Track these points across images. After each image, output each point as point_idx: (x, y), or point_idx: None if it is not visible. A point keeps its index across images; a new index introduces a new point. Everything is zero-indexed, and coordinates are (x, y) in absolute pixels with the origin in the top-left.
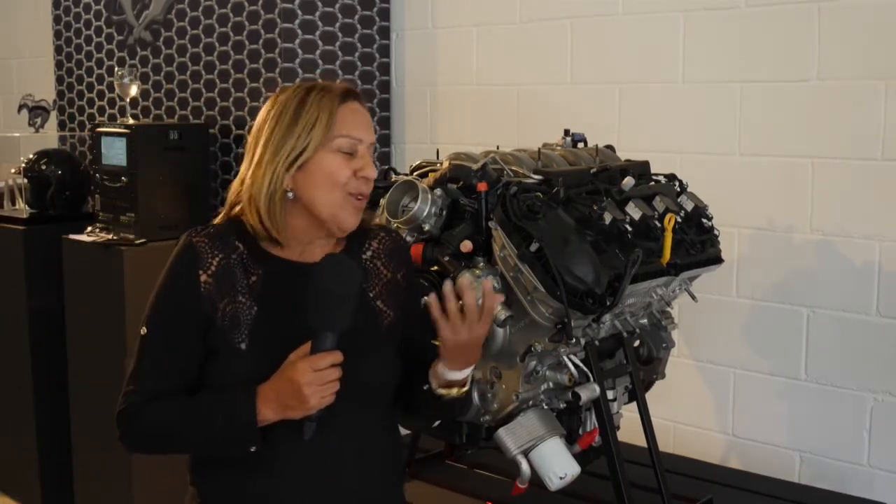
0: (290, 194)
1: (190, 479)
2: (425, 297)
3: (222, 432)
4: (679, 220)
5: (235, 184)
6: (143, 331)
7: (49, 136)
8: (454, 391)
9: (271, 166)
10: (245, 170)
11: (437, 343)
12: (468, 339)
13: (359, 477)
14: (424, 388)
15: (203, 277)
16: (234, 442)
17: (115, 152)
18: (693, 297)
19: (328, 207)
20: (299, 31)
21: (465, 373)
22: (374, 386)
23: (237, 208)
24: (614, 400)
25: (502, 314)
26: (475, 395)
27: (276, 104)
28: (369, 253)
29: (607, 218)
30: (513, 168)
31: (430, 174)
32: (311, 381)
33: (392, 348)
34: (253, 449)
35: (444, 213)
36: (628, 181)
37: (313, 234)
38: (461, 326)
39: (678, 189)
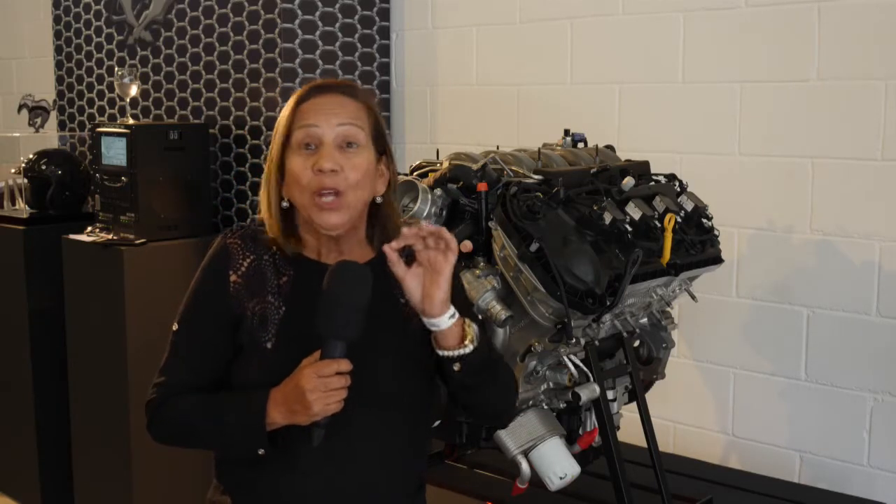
0: (284, 203)
1: (215, 474)
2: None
3: (233, 432)
4: (679, 220)
5: None
6: (175, 326)
7: (49, 136)
8: (456, 350)
9: (266, 178)
10: None
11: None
12: (429, 275)
13: (378, 481)
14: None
15: (233, 278)
16: (242, 443)
17: (115, 152)
18: (693, 297)
19: (304, 210)
20: (299, 31)
21: (446, 316)
22: (393, 390)
23: None
24: (614, 400)
25: (502, 314)
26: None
27: None
28: None
29: (607, 218)
30: (513, 168)
31: (430, 174)
32: (315, 387)
33: (418, 353)
34: (261, 452)
35: (444, 213)
36: (628, 181)
37: (320, 236)
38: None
39: (678, 189)
